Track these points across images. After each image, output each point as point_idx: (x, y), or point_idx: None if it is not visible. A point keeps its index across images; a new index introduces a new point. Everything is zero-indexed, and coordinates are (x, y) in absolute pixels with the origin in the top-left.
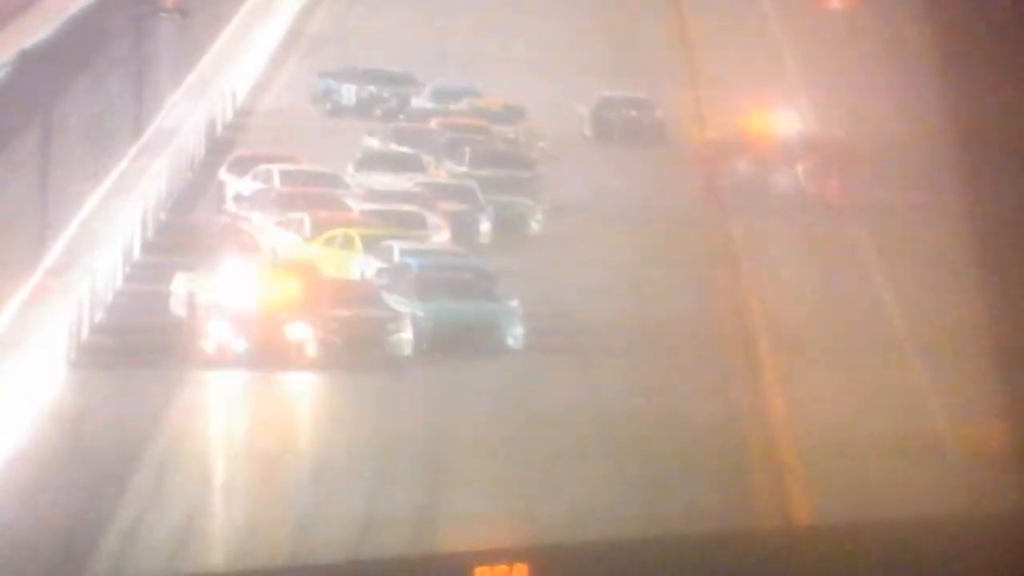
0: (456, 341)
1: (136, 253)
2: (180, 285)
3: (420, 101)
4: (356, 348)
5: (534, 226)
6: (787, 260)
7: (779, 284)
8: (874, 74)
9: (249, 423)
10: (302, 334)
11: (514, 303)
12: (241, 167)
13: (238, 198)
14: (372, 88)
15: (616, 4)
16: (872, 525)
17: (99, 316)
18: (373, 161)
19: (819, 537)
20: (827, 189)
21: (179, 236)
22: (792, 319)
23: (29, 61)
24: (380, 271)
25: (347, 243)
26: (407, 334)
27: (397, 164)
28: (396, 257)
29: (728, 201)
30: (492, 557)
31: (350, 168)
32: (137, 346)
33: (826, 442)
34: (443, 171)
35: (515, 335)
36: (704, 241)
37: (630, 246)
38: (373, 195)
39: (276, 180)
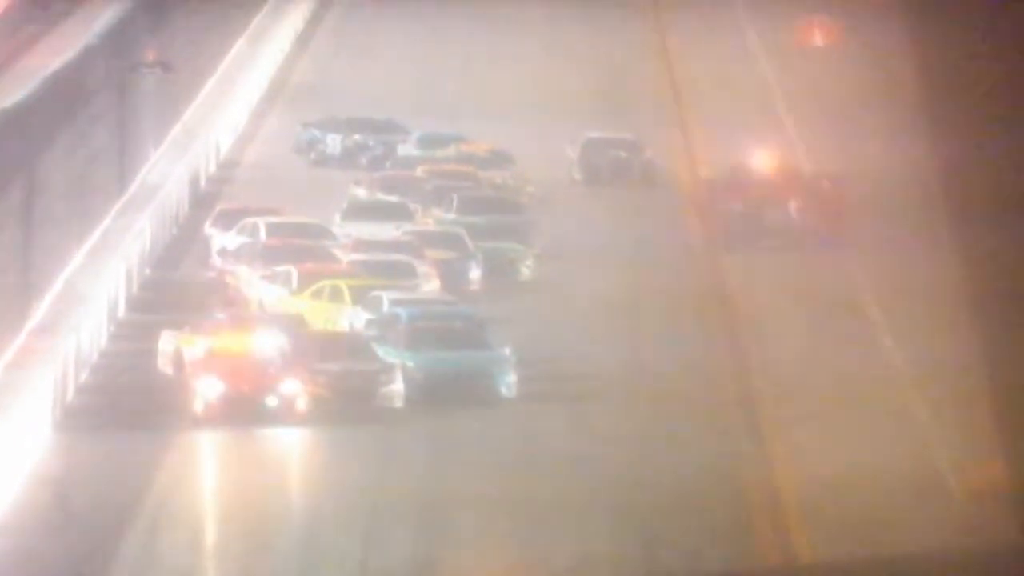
0: (448, 391)
1: (121, 311)
2: (167, 342)
3: (406, 148)
4: (346, 402)
5: (525, 272)
6: (783, 300)
7: (775, 325)
8: (863, 110)
9: (239, 482)
10: (292, 389)
11: (506, 351)
12: (226, 220)
13: (223, 252)
14: (357, 137)
15: (601, 46)
16: (873, 562)
17: (84, 376)
18: (360, 210)
19: (820, 574)
20: (821, 227)
21: (165, 292)
22: (789, 359)
23: (9, 120)
24: (369, 322)
25: (335, 295)
26: (398, 386)
27: (384, 213)
28: (385, 307)
29: (722, 242)
30: None
31: (337, 218)
32: (124, 406)
33: (826, 482)
34: (431, 219)
35: (508, 383)
36: (698, 283)
37: (623, 290)
38: (361, 245)
39: (262, 233)
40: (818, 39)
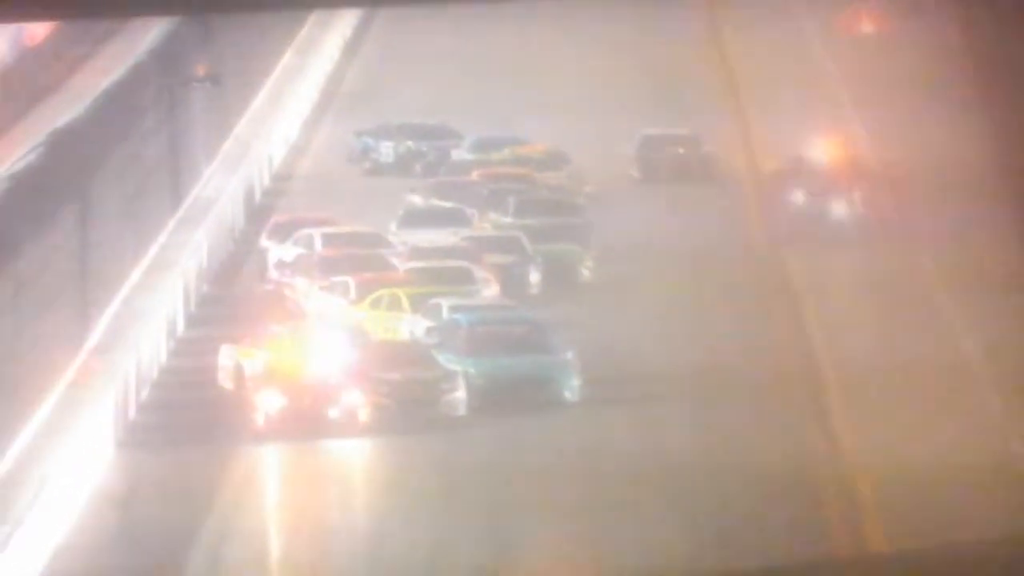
0: (511, 397)
1: (180, 328)
2: (226, 357)
3: (460, 153)
4: (409, 411)
5: (585, 274)
6: (850, 293)
7: (844, 318)
8: (927, 97)
9: (303, 495)
10: (353, 400)
11: (569, 355)
12: (281, 233)
13: (280, 265)
14: (410, 143)
15: (653, 40)
16: (945, 549)
17: (145, 394)
18: (416, 218)
19: (893, 562)
20: (887, 217)
21: (223, 307)
22: (859, 353)
23: (62, 140)
24: (429, 330)
25: (394, 304)
26: (460, 393)
27: (441, 219)
28: (445, 315)
29: (786, 234)
30: None
31: (393, 226)
32: (185, 423)
33: (899, 474)
34: (488, 223)
35: (572, 388)
36: (763, 277)
37: (686, 288)
38: (418, 252)
39: (318, 244)
40: (875, 25)
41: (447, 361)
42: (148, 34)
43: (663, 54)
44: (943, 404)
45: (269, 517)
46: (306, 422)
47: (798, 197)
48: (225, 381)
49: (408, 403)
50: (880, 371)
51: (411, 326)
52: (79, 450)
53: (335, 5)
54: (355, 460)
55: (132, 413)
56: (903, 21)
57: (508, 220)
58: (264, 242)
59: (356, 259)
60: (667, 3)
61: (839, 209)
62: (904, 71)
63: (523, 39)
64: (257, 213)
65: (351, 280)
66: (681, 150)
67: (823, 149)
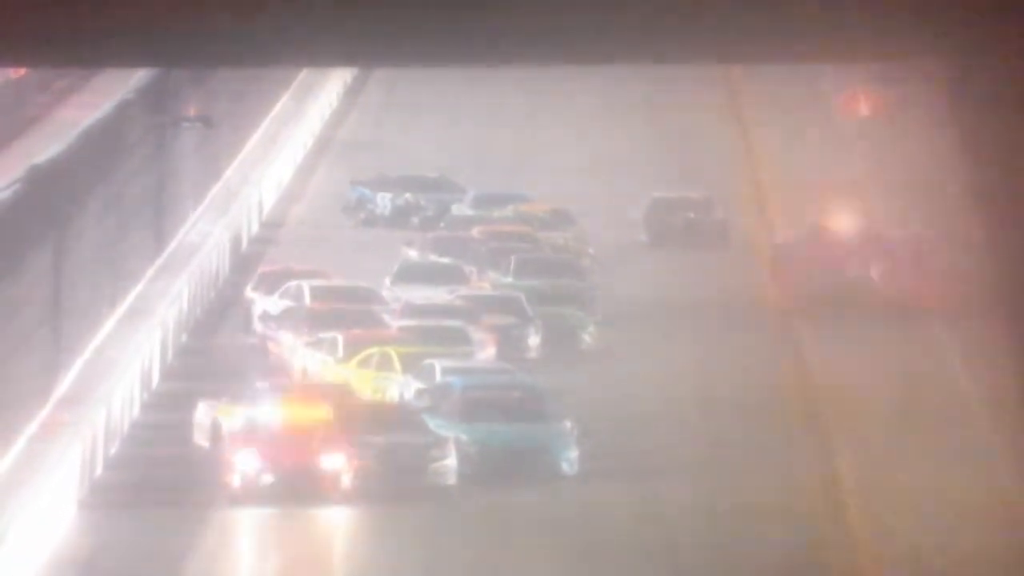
0: (505, 467)
1: (155, 379)
2: (203, 414)
3: (461, 208)
4: (395, 477)
5: (586, 339)
6: (868, 373)
7: (857, 393)
8: (948, 174)
9: (280, 565)
10: (337, 464)
11: (567, 424)
12: (269, 284)
13: (265, 317)
14: (408, 196)
15: (667, 101)
16: None
17: (114, 449)
18: (411, 273)
19: None
20: (906, 293)
21: (202, 360)
22: (872, 428)
23: (40, 177)
24: (420, 392)
25: (384, 363)
26: (451, 461)
27: (437, 276)
28: (438, 376)
29: (801, 307)
30: None
31: (387, 281)
32: (156, 482)
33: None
34: (487, 282)
35: (569, 459)
36: (774, 350)
37: (692, 358)
38: (412, 310)
39: (306, 297)
40: (863, 110)
41: (438, 426)
42: (138, 69)
43: (675, 116)
44: (962, 487)
45: None
46: (286, 486)
47: (813, 268)
48: (201, 439)
49: (394, 469)
50: (897, 453)
51: (401, 387)
52: (39, 508)
53: (326, 65)
54: (337, 528)
55: (99, 470)
56: (900, 106)
57: (508, 280)
58: (249, 293)
59: (346, 314)
60: (682, 68)
61: (855, 282)
62: (924, 149)
63: (531, 94)
64: (243, 262)
65: (340, 336)
66: (692, 214)
67: (841, 220)
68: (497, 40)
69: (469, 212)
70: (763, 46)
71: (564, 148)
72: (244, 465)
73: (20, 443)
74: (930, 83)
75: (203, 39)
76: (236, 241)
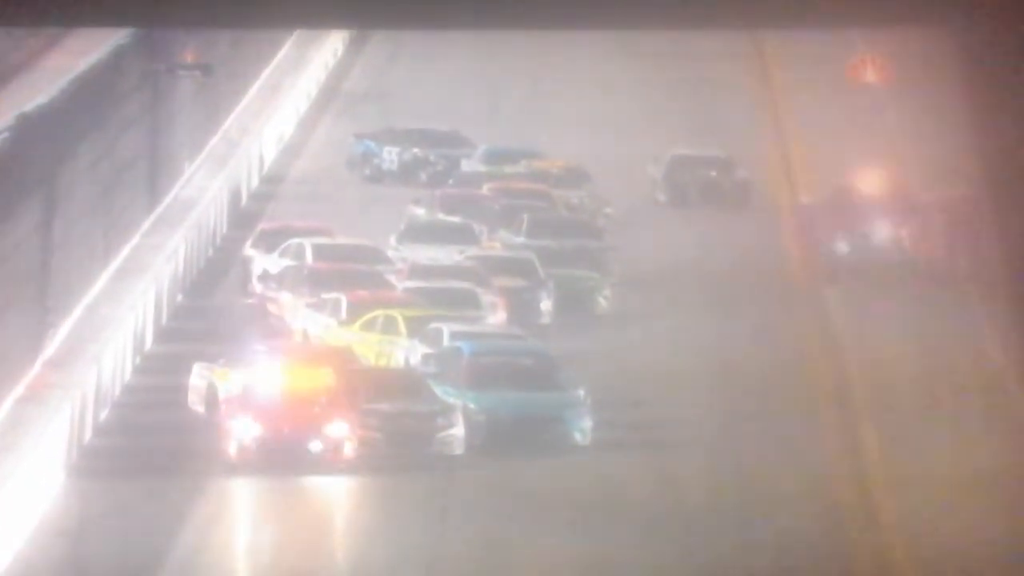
0: (515, 437)
1: (149, 341)
2: (199, 377)
3: (471, 164)
4: (400, 447)
5: (602, 303)
6: (895, 340)
7: (886, 365)
8: (981, 132)
9: (278, 538)
10: (338, 432)
11: (581, 392)
12: (269, 241)
13: (265, 277)
14: (416, 150)
15: (688, 52)
16: None
17: (104, 414)
18: (418, 232)
19: None
20: (937, 256)
21: (198, 321)
22: (901, 404)
23: (29, 126)
24: (427, 357)
25: (389, 326)
26: (458, 430)
27: (445, 235)
28: (445, 341)
29: (825, 272)
30: None
31: (392, 240)
32: (148, 449)
33: (938, 550)
34: (498, 242)
35: (582, 429)
36: (799, 318)
37: (712, 325)
38: (418, 271)
39: (308, 256)
40: (868, 76)
41: (445, 393)
42: None
43: (698, 68)
44: (994, 463)
45: (238, 561)
46: (284, 454)
47: (840, 232)
48: (196, 404)
49: (399, 438)
50: (925, 427)
51: (407, 352)
52: (25, 475)
53: (320, 26)
54: (337, 500)
55: (88, 435)
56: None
57: (520, 240)
58: (248, 251)
59: (350, 275)
60: (706, 22)
61: (885, 247)
62: (947, 111)
63: (545, 44)
64: (242, 218)
65: (343, 297)
66: (713, 173)
67: (869, 181)
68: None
69: (480, 168)
70: (781, 10)
71: (579, 101)
72: (241, 432)
73: (5, 406)
74: (948, 48)
75: None
76: (235, 196)
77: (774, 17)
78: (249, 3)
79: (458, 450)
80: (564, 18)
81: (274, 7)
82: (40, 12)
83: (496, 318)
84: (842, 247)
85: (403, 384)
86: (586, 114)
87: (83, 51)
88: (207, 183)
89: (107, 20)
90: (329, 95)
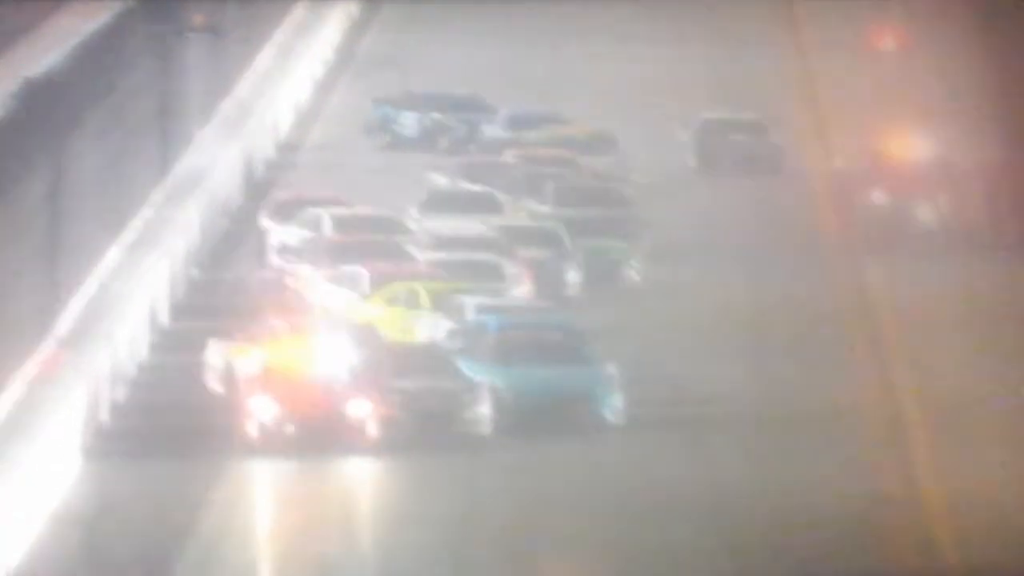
0: (543, 415)
1: (164, 317)
2: (216, 355)
3: (493, 130)
4: (425, 426)
5: (631, 274)
6: (935, 309)
7: (926, 338)
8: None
9: (301, 520)
10: (361, 410)
11: (611, 368)
12: (285, 212)
13: (283, 249)
14: (436, 115)
15: (718, 13)
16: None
17: (120, 394)
18: (440, 202)
19: None
20: (977, 225)
21: (214, 296)
22: (944, 378)
23: (35, 93)
24: (452, 332)
25: (412, 300)
26: (484, 408)
27: (468, 205)
28: (470, 316)
29: (862, 241)
30: None
31: (413, 211)
32: (166, 430)
33: (986, 520)
34: (522, 212)
35: (612, 406)
36: (834, 289)
37: (745, 296)
38: (441, 242)
39: (327, 227)
40: (887, 43)
41: (470, 370)
42: None
43: (729, 29)
44: None
45: (259, 545)
46: (306, 434)
47: (877, 199)
48: (213, 382)
49: (423, 416)
50: (969, 402)
51: (430, 327)
52: (39, 459)
53: None
54: (361, 481)
55: (104, 417)
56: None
57: (546, 209)
58: (264, 222)
59: (370, 246)
60: None
61: (923, 215)
62: (998, 69)
63: (569, 3)
64: (257, 188)
65: (364, 271)
66: (745, 137)
67: (907, 146)
68: None
69: (502, 134)
70: None
71: (605, 63)
72: (261, 412)
73: (17, 387)
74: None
75: None
76: (249, 165)
77: None
78: None
79: (484, 429)
80: None
81: None
82: None
83: (521, 291)
84: (877, 213)
85: (427, 361)
86: (611, 77)
87: (88, 13)
88: (219, 151)
89: None
90: (345, 58)
